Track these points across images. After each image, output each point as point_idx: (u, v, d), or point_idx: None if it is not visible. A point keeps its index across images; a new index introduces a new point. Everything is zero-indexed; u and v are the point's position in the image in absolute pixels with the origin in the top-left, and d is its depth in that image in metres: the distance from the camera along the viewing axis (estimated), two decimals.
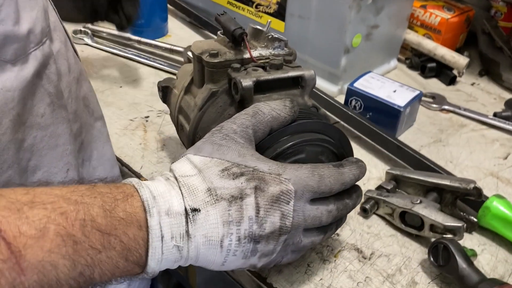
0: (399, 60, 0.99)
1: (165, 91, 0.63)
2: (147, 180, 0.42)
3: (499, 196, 0.59)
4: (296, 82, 0.52)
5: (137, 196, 0.38)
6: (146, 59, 0.93)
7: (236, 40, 0.53)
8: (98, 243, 0.35)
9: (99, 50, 0.97)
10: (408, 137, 0.77)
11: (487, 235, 0.60)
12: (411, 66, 0.97)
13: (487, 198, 0.59)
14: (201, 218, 0.39)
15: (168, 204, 0.38)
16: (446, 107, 0.84)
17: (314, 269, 0.54)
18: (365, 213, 0.61)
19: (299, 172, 0.43)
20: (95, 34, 1.00)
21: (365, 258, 0.56)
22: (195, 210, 0.39)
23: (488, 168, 0.71)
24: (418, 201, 0.57)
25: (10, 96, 0.44)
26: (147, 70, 0.91)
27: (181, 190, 0.39)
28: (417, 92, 0.76)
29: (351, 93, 0.77)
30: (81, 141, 0.59)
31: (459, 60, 0.90)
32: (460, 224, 0.54)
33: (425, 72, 0.94)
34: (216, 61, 0.53)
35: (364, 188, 0.63)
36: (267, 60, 0.53)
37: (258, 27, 0.57)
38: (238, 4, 0.96)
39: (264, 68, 0.52)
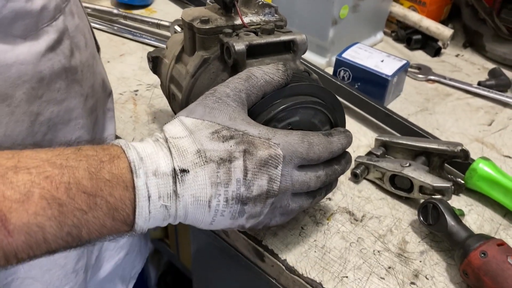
0: (385, 33, 1.00)
1: (155, 62, 0.63)
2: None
3: (484, 158, 0.60)
4: (288, 47, 0.52)
5: (123, 158, 0.38)
6: (133, 34, 0.92)
7: (227, 6, 0.53)
8: (84, 204, 0.35)
9: None
10: (395, 106, 0.79)
11: (473, 197, 0.62)
12: (397, 39, 0.98)
13: (473, 160, 0.61)
14: (189, 178, 0.39)
15: (155, 165, 0.39)
16: (432, 77, 0.86)
17: (308, 231, 0.55)
18: (356, 178, 0.62)
19: (289, 138, 0.44)
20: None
21: (356, 220, 0.57)
22: (184, 170, 0.39)
23: (473, 134, 0.73)
24: (408, 164, 0.59)
25: (23, 69, 0.45)
26: (134, 45, 0.91)
27: (170, 151, 0.40)
28: (404, 62, 0.77)
29: (340, 63, 0.78)
30: (96, 116, 0.59)
31: (444, 31, 0.91)
32: (448, 185, 0.56)
33: (410, 44, 0.95)
34: (207, 27, 0.53)
35: (354, 155, 0.65)
36: (258, 26, 0.53)
37: None
38: None
39: (256, 33, 0.52)
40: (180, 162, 0.39)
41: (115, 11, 0.95)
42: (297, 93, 0.48)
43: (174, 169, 0.39)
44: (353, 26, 0.87)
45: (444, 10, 0.99)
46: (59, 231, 0.35)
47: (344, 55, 0.78)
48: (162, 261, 1.37)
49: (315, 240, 0.55)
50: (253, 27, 0.53)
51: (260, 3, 0.56)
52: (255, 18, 0.55)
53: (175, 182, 0.39)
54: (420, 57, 0.94)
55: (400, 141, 0.64)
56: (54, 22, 0.47)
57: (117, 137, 0.68)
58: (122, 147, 0.39)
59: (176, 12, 1.03)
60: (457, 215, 0.53)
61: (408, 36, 0.95)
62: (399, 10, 0.96)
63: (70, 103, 0.52)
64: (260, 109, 0.46)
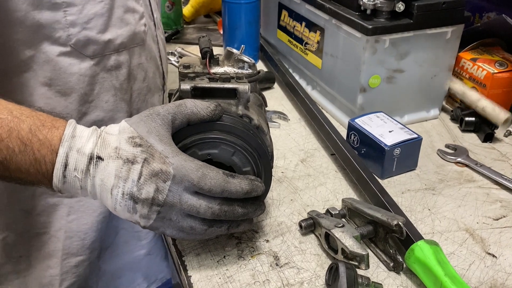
0: (445, 110, 0.96)
1: (170, 97, 0.77)
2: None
3: (430, 242, 0.57)
4: (234, 94, 0.60)
5: (61, 130, 0.51)
6: None
7: (203, 56, 0.65)
8: (16, 146, 0.49)
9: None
10: (399, 179, 0.77)
11: (413, 279, 0.58)
12: (453, 118, 0.93)
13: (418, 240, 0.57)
14: (102, 165, 0.50)
15: (81, 145, 0.51)
16: (462, 160, 0.80)
17: (227, 261, 0.61)
18: (300, 228, 0.65)
19: (186, 163, 0.51)
20: (181, 57, 1.21)
21: (277, 265, 0.60)
22: (99, 157, 0.51)
23: (466, 224, 0.67)
24: (341, 225, 0.59)
25: (82, 79, 0.66)
26: None
27: (99, 141, 0.51)
28: (414, 136, 0.76)
29: (351, 127, 0.81)
30: None
31: (500, 114, 0.84)
32: (363, 253, 0.55)
33: (462, 125, 0.90)
34: (185, 71, 0.65)
35: (323, 210, 0.68)
36: (221, 75, 0.64)
37: (233, 50, 0.67)
38: (294, 42, 1.06)
39: (215, 80, 0.62)
40: (100, 151, 0.51)
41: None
42: (221, 130, 0.56)
43: (94, 154, 0.51)
44: (389, 96, 0.88)
45: None
46: None
47: (357, 120, 0.80)
48: None
49: (227, 269, 0.59)
50: (218, 75, 0.64)
51: (236, 58, 0.66)
52: (229, 70, 0.66)
53: (90, 163, 0.51)
54: (469, 140, 0.88)
55: (357, 206, 0.64)
56: (116, 53, 0.67)
57: None
58: (67, 123, 0.52)
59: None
60: (356, 283, 0.52)
61: (461, 116, 0.90)
62: (458, 87, 0.92)
63: (115, 114, 0.71)
64: (184, 134, 0.55)
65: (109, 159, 0.51)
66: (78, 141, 0.51)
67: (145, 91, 0.77)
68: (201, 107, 0.55)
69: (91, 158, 0.51)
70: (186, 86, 0.59)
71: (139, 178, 0.50)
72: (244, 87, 0.59)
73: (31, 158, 0.50)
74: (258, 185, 0.55)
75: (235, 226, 0.56)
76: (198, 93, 0.60)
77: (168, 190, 0.50)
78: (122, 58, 0.69)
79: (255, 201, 0.56)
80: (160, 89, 0.85)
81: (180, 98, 0.59)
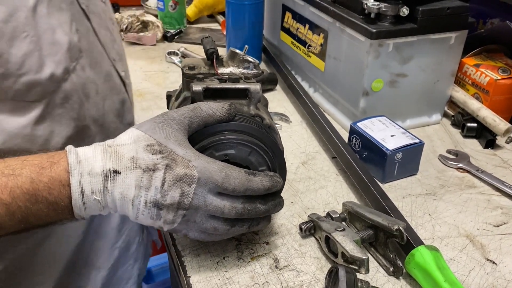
0: (447, 115, 0.96)
1: (168, 100, 0.77)
2: None
3: (430, 247, 0.57)
4: (245, 94, 0.60)
5: (63, 162, 0.48)
6: None
7: (209, 57, 0.65)
8: (27, 202, 0.47)
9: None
10: (400, 183, 0.77)
11: (414, 285, 0.58)
12: (454, 124, 0.93)
13: (418, 245, 0.57)
14: (120, 178, 0.49)
15: (91, 166, 0.48)
16: (463, 166, 0.80)
17: (226, 262, 0.61)
18: (301, 231, 0.64)
19: (209, 165, 0.50)
20: (184, 57, 1.21)
21: (277, 268, 0.60)
22: (116, 171, 0.49)
23: (467, 230, 0.67)
24: (341, 229, 0.59)
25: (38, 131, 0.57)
26: None
27: (110, 155, 0.49)
28: (416, 141, 0.76)
29: (353, 131, 0.80)
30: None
31: (499, 124, 0.84)
32: (364, 257, 0.55)
33: (464, 131, 0.90)
34: (191, 73, 0.65)
35: (323, 213, 0.67)
36: (229, 75, 0.63)
37: (236, 50, 0.67)
38: (297, 44, 1.06)
39: (224, 80, 0.62)
40: (115, 164, 0.49)
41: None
42: (236, 130, 0.55)
43: (109, 169, 0.48)
44: (391, 100, 0.87)
45: None
46: (12, 221, 0.47)
47: (359, 123, 0.80)
48: None
49: (226, 271, 0.59)
50: (226, 76, 0.63)
51: (241, 58, 0.66)
52: (235, 70, 0.65)
53: (106, 180, 0.48)
54: (471, 145, 0.88)
55: (357, 210, 0.64)
56: (63, 84, 0.59)
57: None
58: (66, 152, 0.49)
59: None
60: (356, 287, 0.52)
61: (463, 122, 0.90)
62: (460, 96, 0.92)
63: (81, 144, 0.60)
64: (201, 136, 0.55)
65: (127, 170, 0.49)
66: (86, 163, 0.49)
67: (102, 103, 0.69)
68: (216, 108, 0.55)
69: (105, 175, 0.49)
70: (198, 87, 0.59)
71: (163, 184, 0.49)
72: (255, 87, 0.59)
73: (45, 204, 0.48)
74: (278, 180, 0.55)
75: (255, 224, 0.56)
76: (209, 94, 0.59)
77: (194, 193, 0.50)
78: (68, 85, 0.60)
79: (275, 198, 0.56)
80: (120, 84, 0.74)
81: (192, 99, 0.59)
